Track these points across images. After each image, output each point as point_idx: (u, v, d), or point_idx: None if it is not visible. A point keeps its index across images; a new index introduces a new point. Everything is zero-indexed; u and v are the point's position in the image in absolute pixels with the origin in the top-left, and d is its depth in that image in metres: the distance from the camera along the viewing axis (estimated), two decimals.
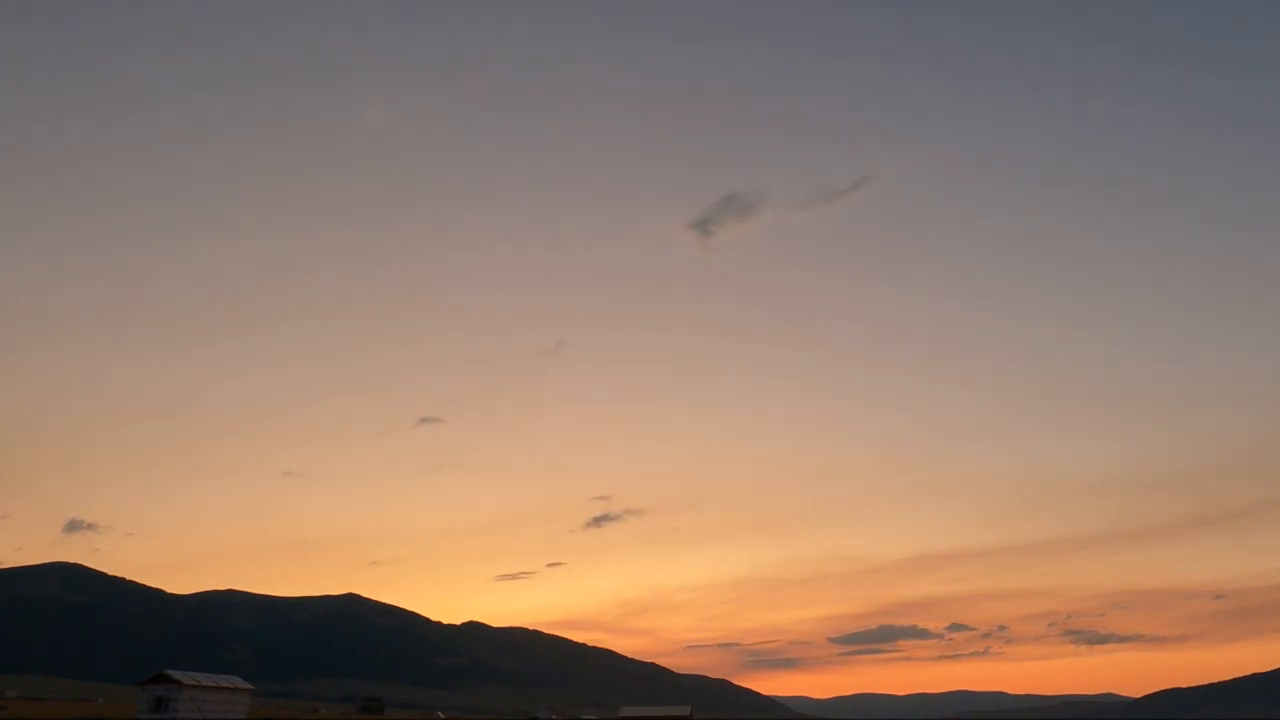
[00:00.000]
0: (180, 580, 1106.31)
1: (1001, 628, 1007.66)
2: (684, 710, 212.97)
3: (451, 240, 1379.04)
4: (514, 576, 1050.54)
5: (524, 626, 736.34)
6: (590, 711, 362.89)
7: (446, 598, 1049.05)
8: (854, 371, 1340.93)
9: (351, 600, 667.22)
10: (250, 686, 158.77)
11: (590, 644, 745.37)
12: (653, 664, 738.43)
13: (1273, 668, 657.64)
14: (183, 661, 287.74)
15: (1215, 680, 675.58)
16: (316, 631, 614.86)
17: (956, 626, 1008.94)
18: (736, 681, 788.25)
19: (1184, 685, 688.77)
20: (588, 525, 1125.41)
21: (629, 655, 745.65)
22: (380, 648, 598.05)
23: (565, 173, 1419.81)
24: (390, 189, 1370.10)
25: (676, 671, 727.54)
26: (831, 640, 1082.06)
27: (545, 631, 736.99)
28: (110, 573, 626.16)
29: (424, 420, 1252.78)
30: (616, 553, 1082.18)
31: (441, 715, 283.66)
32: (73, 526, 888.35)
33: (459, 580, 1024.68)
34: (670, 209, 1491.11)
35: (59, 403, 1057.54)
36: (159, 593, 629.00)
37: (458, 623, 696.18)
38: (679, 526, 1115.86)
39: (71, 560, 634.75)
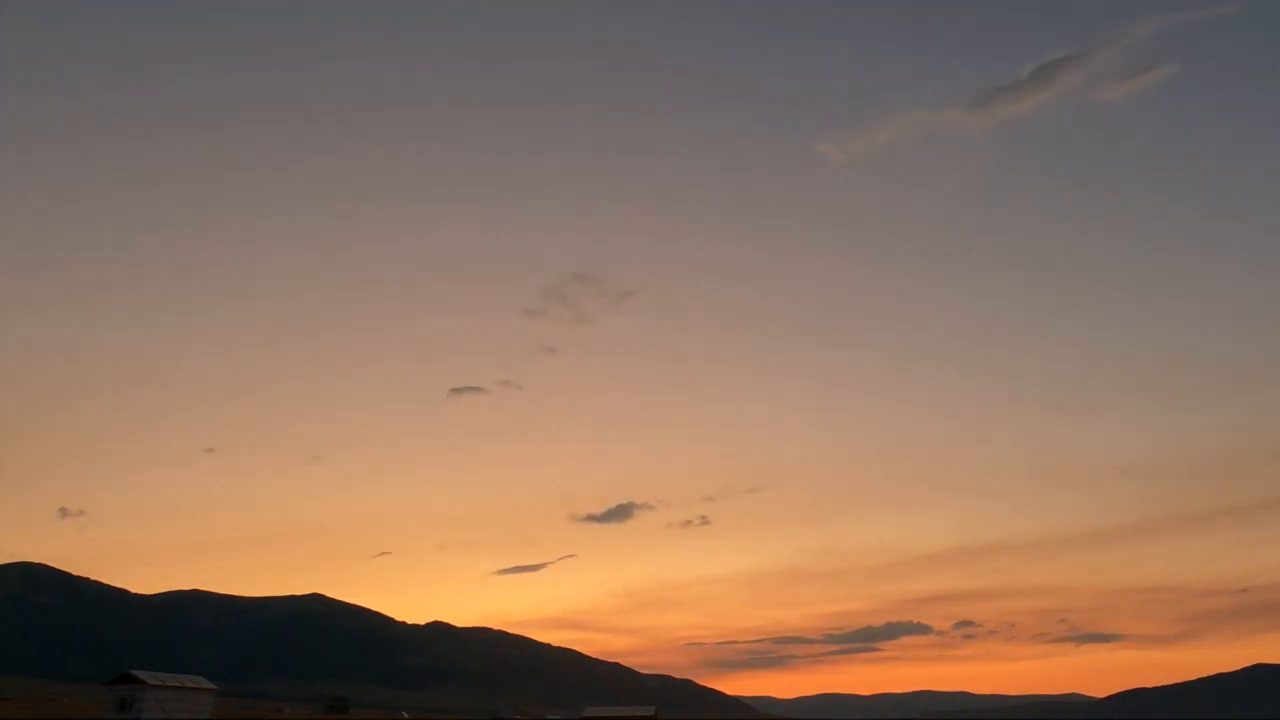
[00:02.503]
0: (145, 580, 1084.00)
1: (1010, 625, 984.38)
2: (648, 710, 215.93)
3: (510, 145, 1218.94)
4: (519, 570, 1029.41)
5: (488, 626, 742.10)
6: (554, 711, 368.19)
7: (446, 595, 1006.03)
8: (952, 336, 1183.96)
9: (316, 600, 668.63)
10: (214, 686, 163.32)
11: (555, 644, 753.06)
12: (616, 664, 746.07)
13: (1236, 667, 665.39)
14: (149, 662, 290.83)
15: (1179, 680, 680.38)
16: (282, 631, 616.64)
17: (963, 624, 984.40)
18: (705, 682, 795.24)
19: (1148, 685, 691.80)
20: (609, 514, 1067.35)
21: (594, 655, 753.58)
22: (345, 647, 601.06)
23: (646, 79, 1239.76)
24: (430, 105, 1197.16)
25: (641, 672, 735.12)
26: (830, 638, 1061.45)
27: (511, 632, 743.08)
28: (75, 573, 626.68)
29: (455, 390, 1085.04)
30: (635, 545, 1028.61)
31: (406, 715, 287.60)
32: (62, 514, 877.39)
33: (459, 576, 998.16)
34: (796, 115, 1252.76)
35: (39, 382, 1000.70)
36: (123, 593, 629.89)
37: (422, 622, 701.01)
38: (705, 516, 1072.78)
39: (37, 560, 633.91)
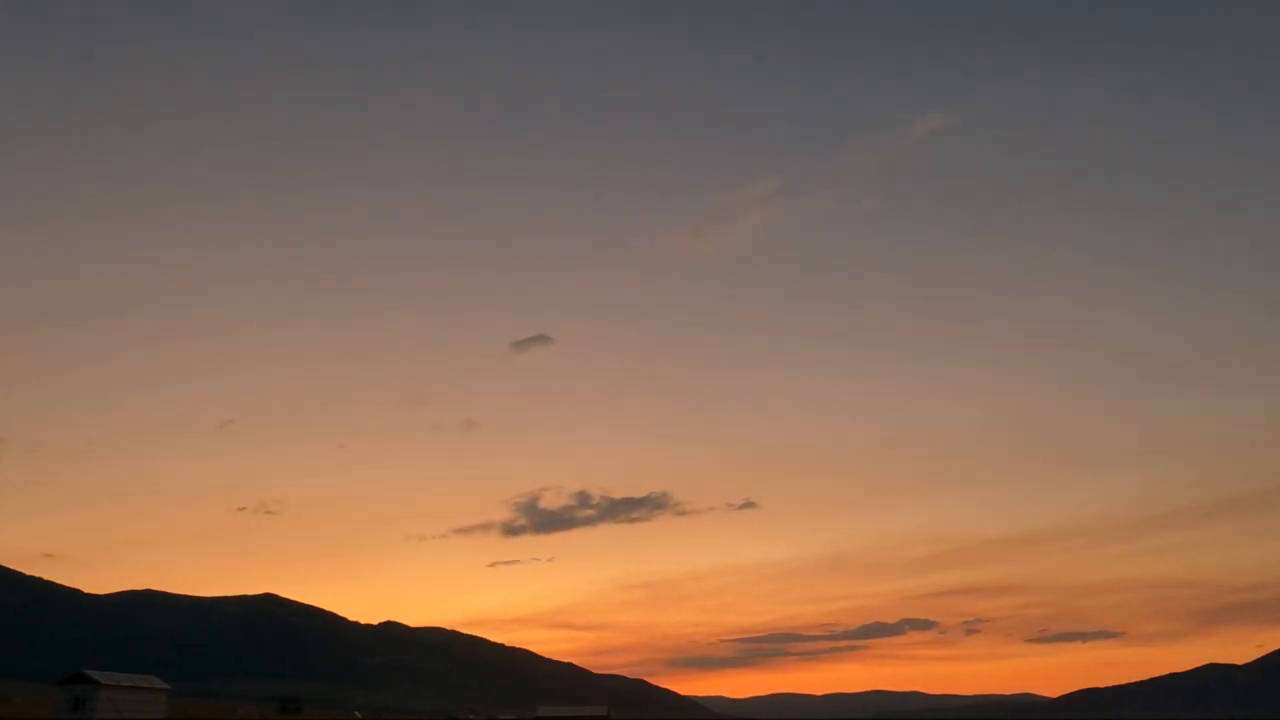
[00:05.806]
0: (98, 579, 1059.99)
1: (1019, 621, 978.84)
2: (601, 710, 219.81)
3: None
4: (532, 562, 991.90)
5: (443, 626, 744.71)
6: (507, 711, 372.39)
7: (440, 590, 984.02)
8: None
9: (269, 600, 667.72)
10: (167, 686, 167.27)
11: (509, 644, 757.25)
12: (570, 664, 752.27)
13: (1190, 667, 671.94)
14: (102, 661, 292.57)
15: (1132, 680, 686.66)
16: (236, 630, 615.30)
17: (971, 620, 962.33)
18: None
19: (1099, 685, 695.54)
20: (642, 501, 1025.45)
21: (548, 655, 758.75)
22: (299, 647, 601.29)
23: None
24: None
25: (594, 672, 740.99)
26: (832, 634, 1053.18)
27: (464, 631, 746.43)
28: (29, 571, 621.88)
29: (519, 344, 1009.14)
30: (661, 536, 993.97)
31: (359, 715, 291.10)
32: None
33: (455, 571, 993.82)
34: None
35: None
36: (76, 592, 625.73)
37: (375, 622, 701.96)
38: (750, 500, 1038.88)
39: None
